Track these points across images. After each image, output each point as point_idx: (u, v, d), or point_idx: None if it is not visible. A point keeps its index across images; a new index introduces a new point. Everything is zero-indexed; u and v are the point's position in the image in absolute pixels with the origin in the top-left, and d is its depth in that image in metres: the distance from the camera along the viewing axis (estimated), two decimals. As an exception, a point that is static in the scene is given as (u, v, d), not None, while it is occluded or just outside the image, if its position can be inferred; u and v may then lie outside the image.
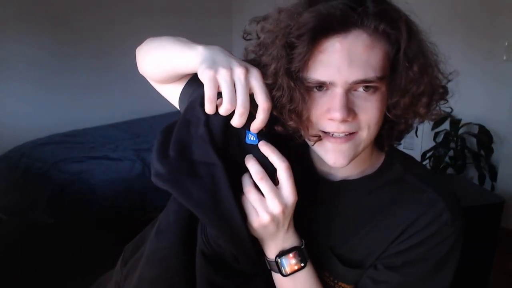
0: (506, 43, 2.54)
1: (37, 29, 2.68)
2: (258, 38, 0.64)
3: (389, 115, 0.61)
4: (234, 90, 0.55)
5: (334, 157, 0.61)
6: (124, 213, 2.09)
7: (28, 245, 1.15)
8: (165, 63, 0.69)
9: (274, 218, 0.57)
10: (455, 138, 2.66)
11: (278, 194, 0.57)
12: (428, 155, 2.74)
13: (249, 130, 0.59)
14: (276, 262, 0.62)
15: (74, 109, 2.93)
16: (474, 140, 2.67)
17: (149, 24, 3.21)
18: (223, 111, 0.55)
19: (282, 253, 0.61)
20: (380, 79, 0.57)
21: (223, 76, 0.55)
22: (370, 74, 0.56)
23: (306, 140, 0.64)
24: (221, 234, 0.56)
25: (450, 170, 2.69)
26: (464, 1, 2.70)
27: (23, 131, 2.59)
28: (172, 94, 0.77)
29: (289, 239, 0.61)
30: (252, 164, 0.58)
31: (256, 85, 0.56)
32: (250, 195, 0.57)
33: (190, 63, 0.60)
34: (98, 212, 2.01)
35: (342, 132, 0.59)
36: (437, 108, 0.65)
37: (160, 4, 3.31)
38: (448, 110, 0.67)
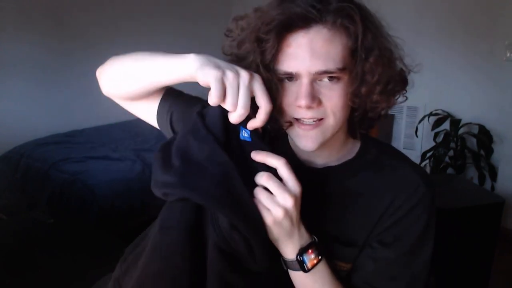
0: (506, 43, 2.55)
1: (37, 29, 2.68)
2: (236, 36, 0.69)
3: (350, 103, 0.67)
4: (237, 93, 0.59)
5: (304, 141, 0.68)
6: (124, 213, 2.09)
7: (28, 245, 1.15)
8: (146, 76, 0.71)
9: (287, 212, 0.59)
10: (455, 138, 2.67)
11: (286, 188, 0.59)
12: (428, 155, 2.74)
13: (243, 127, 0.62)
14: (298, 261, 0.64)
15: (74, 109, 2.93)
16: (474, 140, 2.67)
17: (149, 24, 3.22)
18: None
19: (302, 251, 0.64)
20: (340, 70, 0.63)
21: (230, 79, 0.58)
22: (331, 65, 0.62)
23: (281, 125, 0.70)
24: (243, 226, 0.57)
25: (450, 170, 2.69)
26: (464, 1, 2.70)
27: (23, 131, 2.59)
28: (145, 110, 0.80)
29: (303, 236, 0.64)
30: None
31: (258, 89, 0.61)
32: (261, 195, 0.59)
33: (185, 70, 0.63)
34: (98, 212, 2.01)
35: (310, 118, 0.66)
36: (397, 97, 0.71)
37: (160, 5, 3.32)
38: (403, 99, 0.73)
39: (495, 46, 2.60)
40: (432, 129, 2.76)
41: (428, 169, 2.77)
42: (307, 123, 0.66)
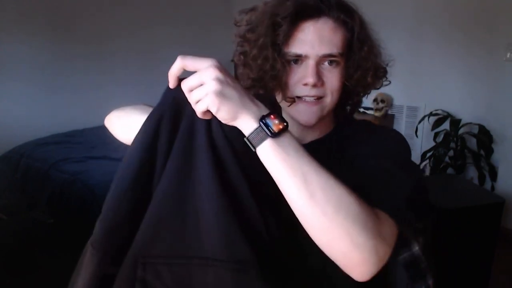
0: (506, 43, 2.54)
1: (37, 29, 2.68)
2: (247, 24, 0.80)
3: (347, 84, 0.80)
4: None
5: (306, 116, 0.79)
6: (124, 213, 2.09)
7: (28, 245, 1.15)
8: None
9: (219, 80, 0.56)
10: (455, 138, 2.66)
11: (199, 59, 0.58)
12: (428, 155, 2.74)
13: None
14: (261, 124, 0.58)
15: (74, 109, 2.93)
16: (474, 140, 2.67)
17: (149, 25, 3.21)
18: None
19: (263, 117, 0.59)
20: (341, 55, 0.76)
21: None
22: (334, 50, 0.75)
23: (283, 101, 0.79)
24: None
25: (450, 170, 2.69)
26: (464, 2, 2.70)
27: (23, 131, 2.59)
28: None
29: (262, 107, 0.60)
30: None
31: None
32: (191, 92, 0.58)
33: None
34: (98, 212, 2.00)
35: (313, 96, 0.77)
36: (382, 81, 0.85)
37: (160, 6, 3.32)
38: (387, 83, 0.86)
39: (495, 46, 2.60)
40: (432, 129, 2.76)
41: (428, 169, 2.77)
42: (309, 100, 0.78)
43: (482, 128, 2.62)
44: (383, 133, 0.85)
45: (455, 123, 2.67)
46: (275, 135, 0.58)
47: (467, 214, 1.76)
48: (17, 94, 2.64)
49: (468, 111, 2.73)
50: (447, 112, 2.76)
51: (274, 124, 0.58)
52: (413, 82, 2.75)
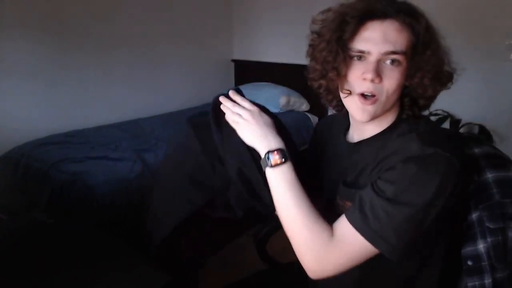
0: (507, 43, 2.55)
1: (37, 29, 2.68)
2: (321, 22, 0.88)
3: (407, 83, 0.85)
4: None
5: (361, 113, 0.85)
6: (123, 213, 2.09)
7: (28, 245, 1.15)
8: None
9: (252, 115, 0.89)
10: (455, 138, 2.66)
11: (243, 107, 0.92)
12: (428, 155, 2.73)
13: None
14: (265, 157, 0.84)
15: (74, 109, 2.93)
16: (474, 140, 2.66)
17: (149, 25, 3.22)
18: None
19: (269, 152, 0.85)
20: (403, 53, 0.80)
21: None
22: (397, 48, 0.80)
23: (340, 93, 0.88)
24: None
25: (450, 170, 2.68)
26: (464, 1, 2.70)
27: (23, 131, 2.59)
28: None
29: (274, 141, 0.86)
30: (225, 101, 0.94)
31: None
32: (230, 116, 0.91)
33: None
34: (98, 212, 2.01)
35: (370, 92, 0.82)
36: (443, 87, 0.88)
37: (160, 6, 3.32)
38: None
39: (495, 47, 2.60)
40: (432, 129, 2.76)
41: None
42: (367, 98, 0.83)
43: (482, 128, 2.62)
44: (420, 170, 0.75)
45: (455, 123, 2.67)
46: (272, 167, 0.84)
47: (467, 214, 1.76)
48: (17, 94, 2.64)
49: (468, 111, 2.73)
50: (447, 112, 2.76)
51: (274, 159, 0.84)
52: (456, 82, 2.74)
